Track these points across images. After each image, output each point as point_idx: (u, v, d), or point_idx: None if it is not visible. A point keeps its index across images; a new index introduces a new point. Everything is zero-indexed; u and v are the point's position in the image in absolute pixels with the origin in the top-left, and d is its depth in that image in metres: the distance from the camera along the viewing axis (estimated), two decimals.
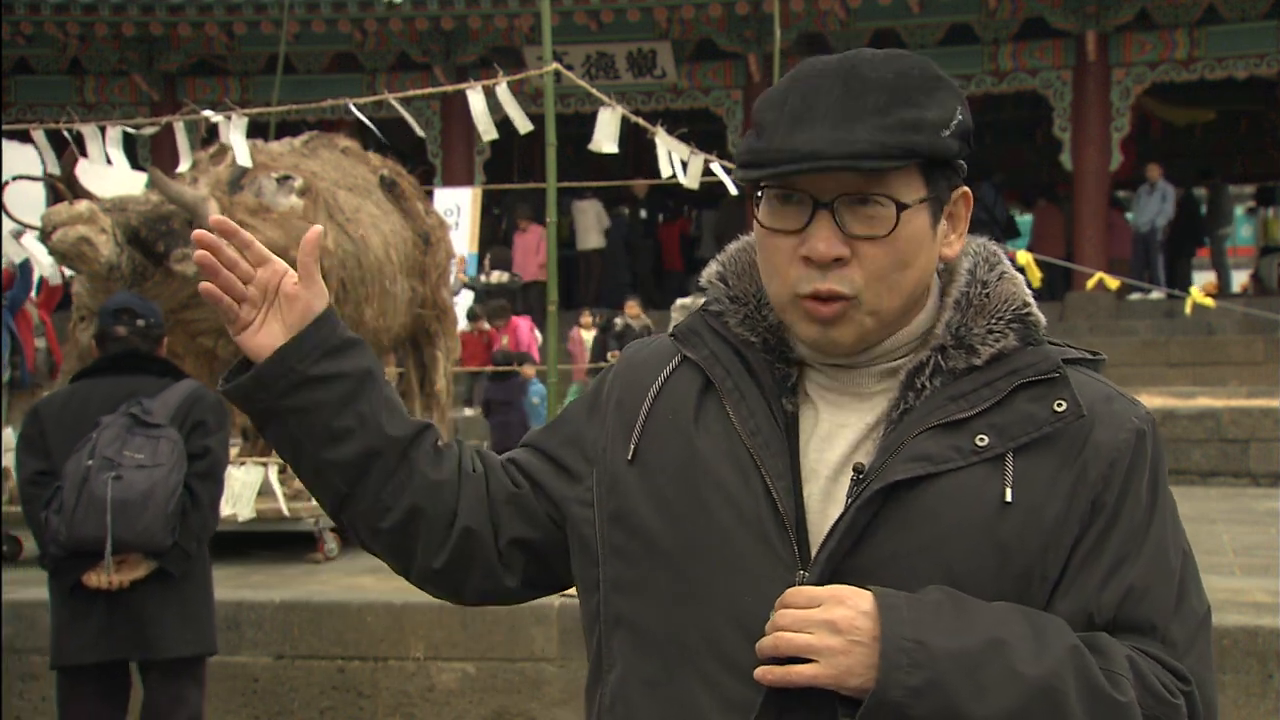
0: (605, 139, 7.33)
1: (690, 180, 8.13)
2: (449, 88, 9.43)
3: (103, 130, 6.95)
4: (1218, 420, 11.28)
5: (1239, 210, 22.45)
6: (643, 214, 19.39)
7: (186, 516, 4.39)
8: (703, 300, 1.67)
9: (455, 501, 1.65)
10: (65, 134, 7.06)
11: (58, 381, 7.86)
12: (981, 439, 1.48)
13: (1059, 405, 1.49)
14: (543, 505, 1.66)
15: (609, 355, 12.91)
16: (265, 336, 1.61)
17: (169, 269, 6.53)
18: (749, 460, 1.51)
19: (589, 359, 13.91)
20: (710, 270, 1.66)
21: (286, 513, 7.17)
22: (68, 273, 7.74)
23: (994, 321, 1.54)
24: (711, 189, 9.21)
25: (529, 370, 12.37)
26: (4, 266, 7.94)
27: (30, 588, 6.01)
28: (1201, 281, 17.75)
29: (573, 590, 1.68)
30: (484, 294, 14.54)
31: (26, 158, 7.80)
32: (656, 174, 8.29)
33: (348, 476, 1.63)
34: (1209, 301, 12.58)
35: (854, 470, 1.50)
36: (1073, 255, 15.81)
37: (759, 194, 1.53)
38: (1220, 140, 21.14)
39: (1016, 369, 1.51)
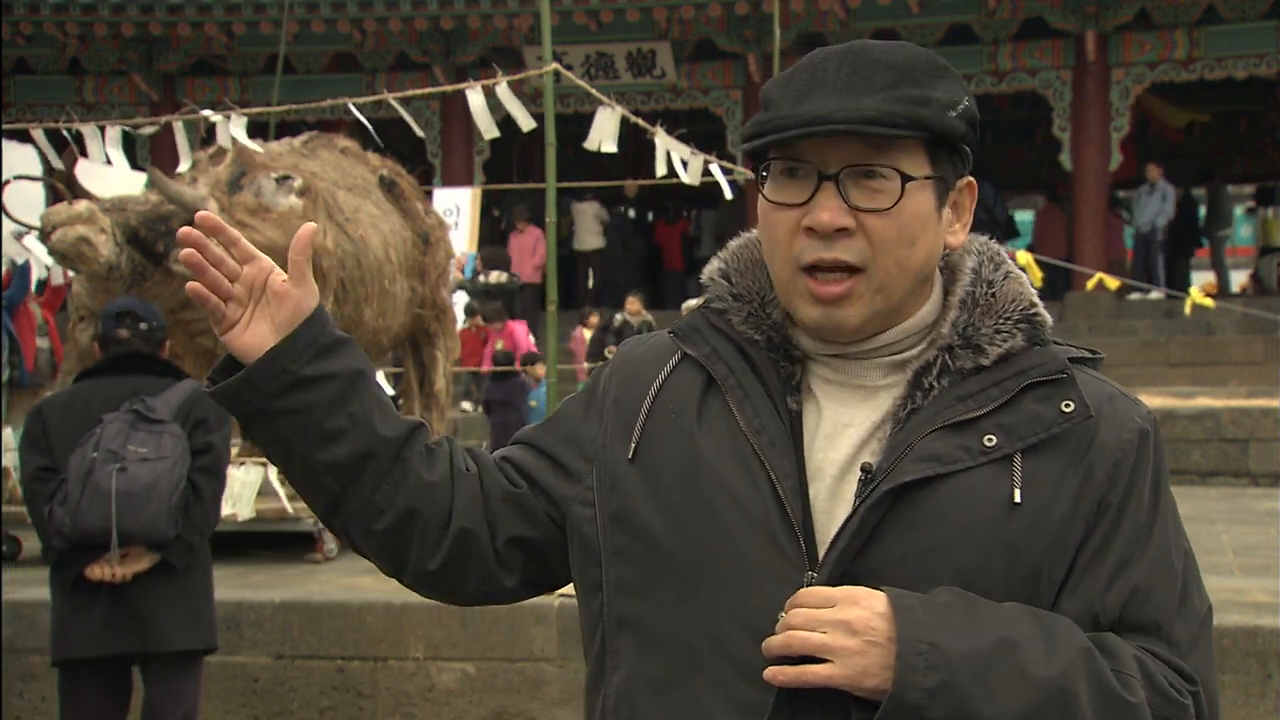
0: (603, 137, 7.33)
1: (691, 178, 8.14)
2: (448, 88, 9.43)
3: (102, 130, 6.96)
4: (1217, 420, 11.28)
5: (1238, 210, 22.43)
6: (631, 213, 19.41)
7: (189, 510, 4.43)
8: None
9: (450, 502, 1.63)
10: (65, 134, 7.06)
11: (58, 381, 7.86)
12: (990, 439, 1.47)
13: (1066, 406, 1.49)
14: (542, 504, 1.64)
15: (606, 352, 12.87)
16: (252, 336, 1.57)
17: (168, 269, 6.53)
18: (754, 459, 1.50)
19: (586, 356, 13.89)
20: (712, 267, 1.65)
21: (291, 511, 7.18)
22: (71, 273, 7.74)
23: (1002, 322, 1.54)
24: (712, 189, 9.21)
25: (539, 369, 12.16)
26: (4, 267, 7.94)
27: (30, 588, 6.01)
28: (1201, 281, 17.75)
29: (570, 589, 1.66)
30: (482, 295, 14.50)
31: (26, 158, 7.80)
32: (654, 174, 8.30)
33: (340, 478, 1.59)
34: (1209, 302, 12.59)
35: (862, 470, 1.49)
36: (1073, 255, 15.81)
37: (764, 173, 1.52)
38: (1219, 140, 21.12)
39: (1024, 369, 1.51)
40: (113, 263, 6.34)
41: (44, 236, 6.40)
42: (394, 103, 7.02)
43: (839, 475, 1.51)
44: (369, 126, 7.41)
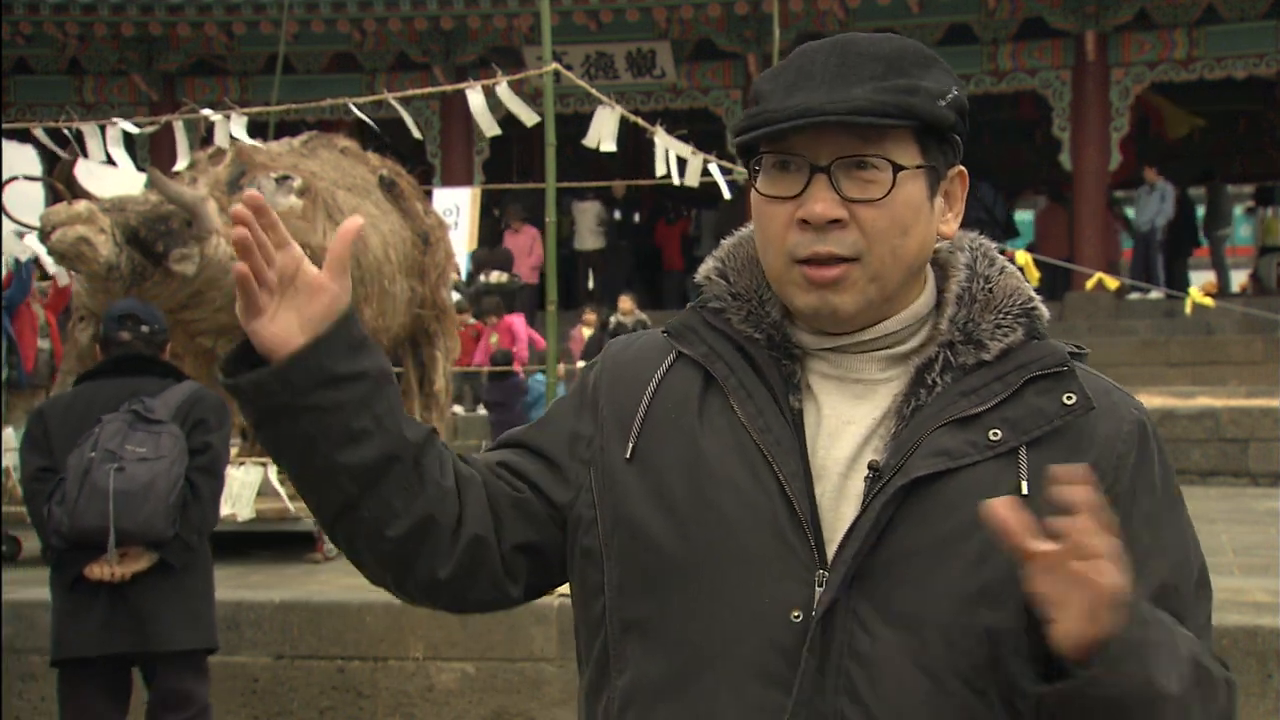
0: (602, 135, 7.32)
1: (690, 178, 8.14)
2: (448, 87, 9.44)
3: (103, 129, 6.96)
4: (1217, 420, 11.28)
5: (1238, 210, 22.43)
6: (617, 215, 19.43)
7: (187, 509, 4.44)
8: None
9: (460, 509, 1.58)
10: (65, 133, 7.06)
11: (57, 381, 7.86)
12: (995, 433, 1.48)
13: (1068, 398, 1.50)
14: (544, 508, 1.61)
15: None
16: (279, 327, 1.50)
17: (168, 269, 6.53)
18: (760, 458, 1.50)
19: (583, 355, 13.88)
20: (708, 267, 1.64)
21: (291, 511, 7.18)
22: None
23: (1002, 316, 1.54)
24: (712, 189, 9.21)
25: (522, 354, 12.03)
26: (3, 267, 7.94)
27: (30, 588, 6.01)
28: (1201, 281, 17.75)
29: (567, 589, 1.65)
30: (482, 294, 14.49)
31: (26, 158, 7.80)
32: (653, 174, 8.30)
33: (361, 481, 1.52)
34: (1208, 301, 12.60)
35: (869, 468, 1.49)
36: (1073, 255, 15.82)
37: (757, 168, 1.52)
38: (1219, 140, 21.12)
39: (1024, 363, 1.52)
40: (112, 263, 6.33)
41: (44, 236, 6.40)
42: (394, 102, 7.03)
43: (844, 473, 1.51)
44: (373, 125, 7.41)
